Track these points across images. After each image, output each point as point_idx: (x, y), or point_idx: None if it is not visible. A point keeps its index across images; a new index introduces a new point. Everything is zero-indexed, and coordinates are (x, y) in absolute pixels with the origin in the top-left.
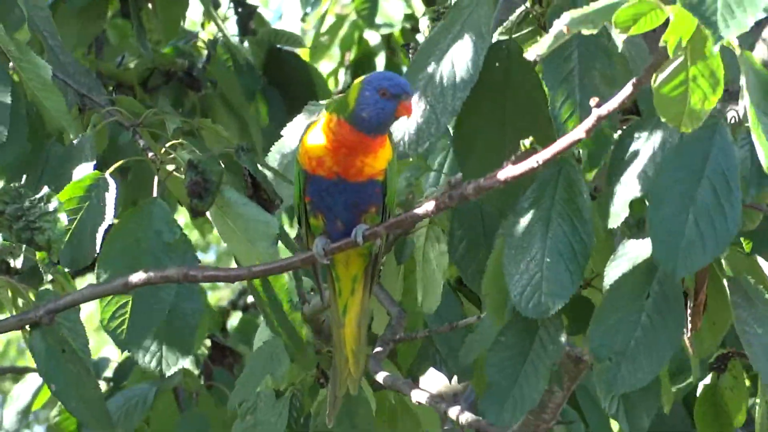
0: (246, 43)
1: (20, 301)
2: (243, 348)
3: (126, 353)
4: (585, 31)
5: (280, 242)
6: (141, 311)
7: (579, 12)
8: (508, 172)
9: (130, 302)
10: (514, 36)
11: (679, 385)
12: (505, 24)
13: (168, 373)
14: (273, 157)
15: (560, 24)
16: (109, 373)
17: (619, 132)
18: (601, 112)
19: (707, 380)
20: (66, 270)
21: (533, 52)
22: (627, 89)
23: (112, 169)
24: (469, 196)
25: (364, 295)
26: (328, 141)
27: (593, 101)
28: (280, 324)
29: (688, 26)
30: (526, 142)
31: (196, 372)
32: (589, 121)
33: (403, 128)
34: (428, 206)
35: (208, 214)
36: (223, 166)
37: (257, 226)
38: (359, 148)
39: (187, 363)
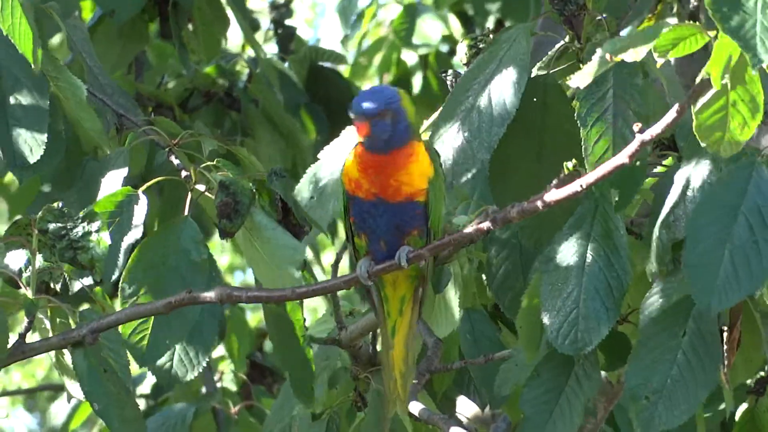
0: (287, 63)
1: (57, 322)
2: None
3: None
4: (628, 59)
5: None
6: (162, 329)
7: (622, 40)
8: (552, 195)
9: (151, 320)
10: (551, 71)
11: (713, 412)
12: (543, 60)
13: (187, 377)
14: (308, 182)
15: (603, 52)
16: (145, 389)
17: (656, 167)
18: (644, 138)
19: (746, 404)
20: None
21: (576, 81)
22: (670, 115)
23: (145, 186)
24: (512, 219)
25: (413, 317)
26: (358, 163)
27: (636, 126)
28: (290, 358)
29: (731, 53)
30: (569, 165)
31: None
32: (632, 146)
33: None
34: (473, 229)
35: (236, 236)
36: (254, 189)
37: (284, 251)
38: (381, 166)
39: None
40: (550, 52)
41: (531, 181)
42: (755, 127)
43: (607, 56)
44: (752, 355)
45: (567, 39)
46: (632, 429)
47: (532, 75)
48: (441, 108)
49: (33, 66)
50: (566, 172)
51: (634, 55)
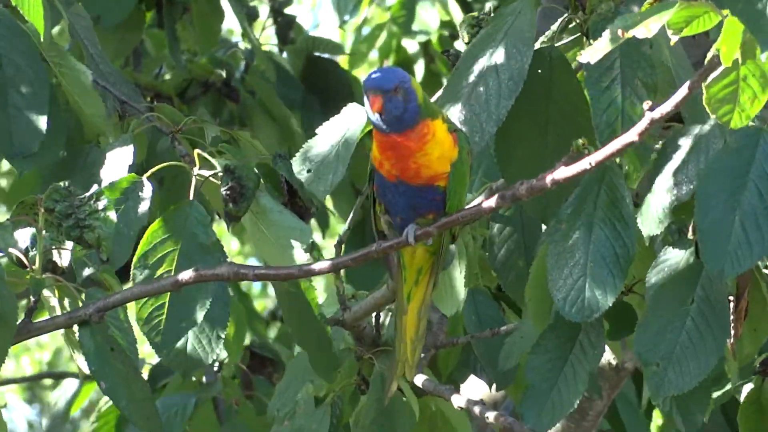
0: (284, 53)
1: (66, 301)
2: (285, 352)
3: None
4: (640, 35)
5: None
6: (177, 314)
7: (634, 16)
8: (561, 173)
9: (167, 304)
10: (556, 44)
11: (717, 393)
12: (546, 33)
13: (208, 360)
14: (301, 156)
15: (615, 27)
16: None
17: (662, 140)
18: (654, 116)
19: (750, 385)
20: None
21: (586, 57)
22: (682, 92)
23: (150, 173)
24: (521, 197)
25: (428, 289)
26: (377, 145)
27: (646, 105)
28: (307, 335)
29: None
30: (579, 142)
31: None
32: (642, 124)
33: None
34: (480, 207)
35: (242, 220)
36: (257, 173)
37: (291, 233)
38: (397, 148)
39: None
40: (553, 26)
41: (537, 154)
42: (765, 101)
43: (619, 32)
44: (758, 324)
45: (571, 11)
46: (636, 416)
47: (537, 47)
48: (446, 83)
49: (41, 39)
50: (575, 149)
51: (645, 31)
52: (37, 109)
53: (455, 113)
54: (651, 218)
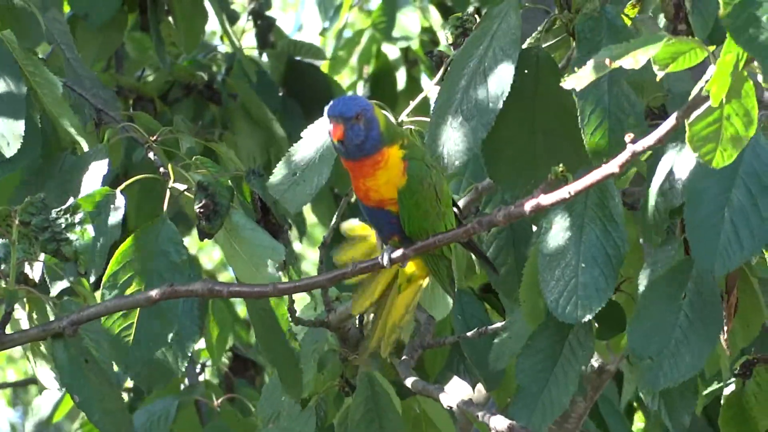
0: (265, 56)
1: (35, 314)
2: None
3: None
4: (627, 66)
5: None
6: (145, 334)
7: (620, 47)
8: (539, 201)
9: (135, 324)
10: (543, 44)
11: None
12: (533, 35)
13: (173, 376)
14: (287, 160)
15: (601, 57)
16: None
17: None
18: (636, 148)
19: (732, 387)
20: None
21: (571, 83)
22: (666, 126)
23: (123, 186)
24: (498, 223)
25: (418, 292)
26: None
27: (628, 137)
28: (277, 353)
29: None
30: (558, 169)
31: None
32: (623, 157)
33: (439, 144)
34: (456, 232)
35: (215, 237)
36: (233, 187)
37: (263, 251)
38: (353, 171)
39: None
40: (539, 27)
41: (524, 154)
42: (749, 140)
43: (606, 61)
44: (750, 319)
45: (557, 10)
46: (618, 419)
47: (523, 47)
48: (438, 91)
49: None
50: (554, 176)
51: (632, 62)
52: (13, 113)
53: (449, 122)
54: (650, 223)
